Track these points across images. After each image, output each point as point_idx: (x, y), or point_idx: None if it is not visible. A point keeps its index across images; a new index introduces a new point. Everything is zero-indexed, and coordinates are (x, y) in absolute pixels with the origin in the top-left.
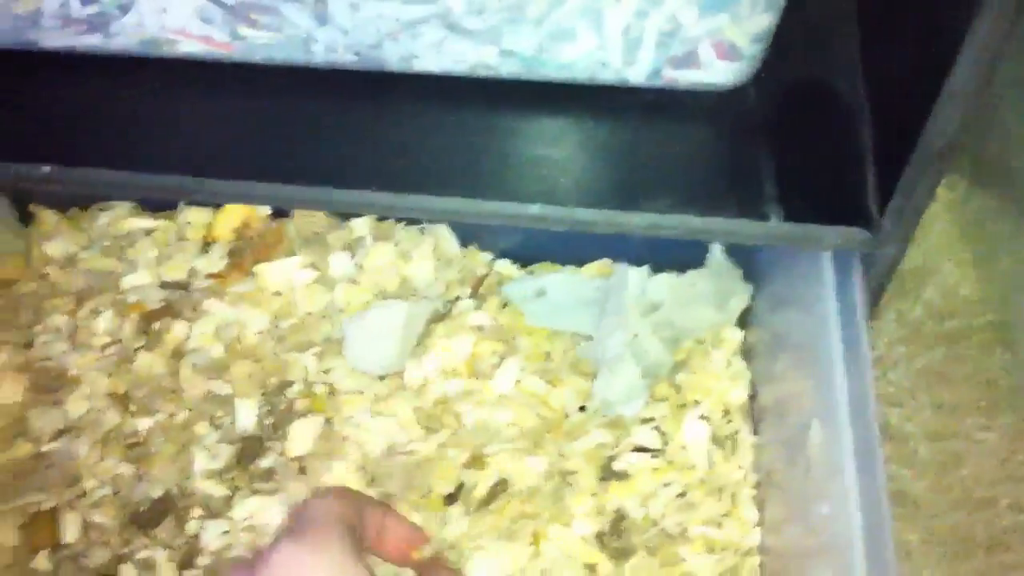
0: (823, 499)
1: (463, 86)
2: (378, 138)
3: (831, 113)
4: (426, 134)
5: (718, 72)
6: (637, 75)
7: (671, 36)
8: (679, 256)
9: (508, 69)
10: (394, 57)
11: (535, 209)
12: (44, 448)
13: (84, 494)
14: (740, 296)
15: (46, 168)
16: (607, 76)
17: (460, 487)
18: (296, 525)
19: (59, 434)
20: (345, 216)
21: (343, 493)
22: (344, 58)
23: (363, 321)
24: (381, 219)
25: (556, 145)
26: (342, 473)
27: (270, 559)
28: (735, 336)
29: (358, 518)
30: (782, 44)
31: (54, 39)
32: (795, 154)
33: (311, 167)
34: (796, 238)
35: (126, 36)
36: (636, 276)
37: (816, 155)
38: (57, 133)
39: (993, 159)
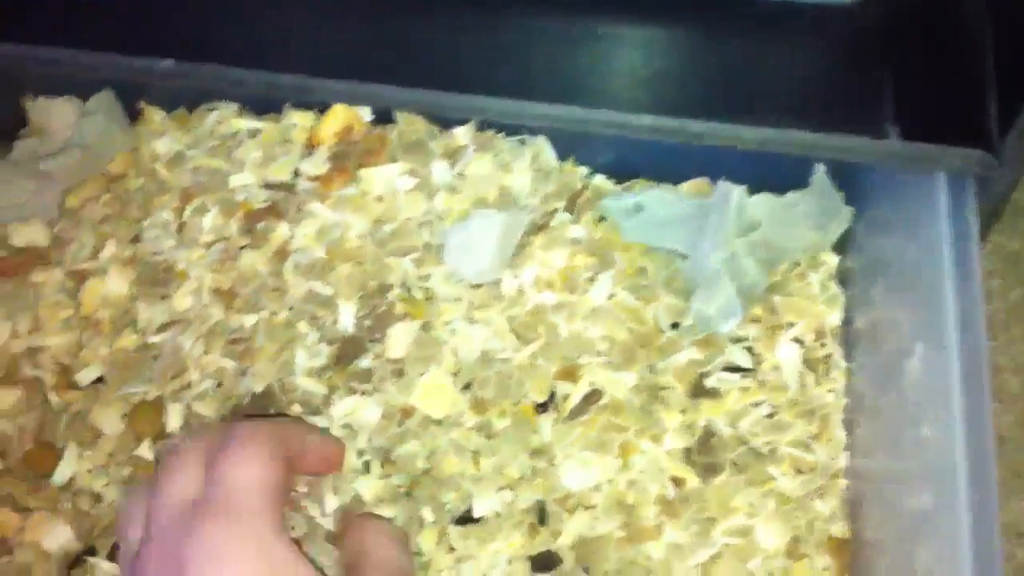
0: (922, 423)
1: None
2: (489, 45)
3: (953, 32)
4: (537, 42)
5: None
6: None
7: None
8: (779, 176)
9: None
10: None
11: (647, 120)
12: (150, 339)
13: (188, 386)
14: (841, 219)
15: (167, 62)
16: None
17: (552, 397)
18: (214, 493)
19: (165, 327)
20: (447, 125)
21: (261, 436)
22: None
23: (462, 229)
24: (481, 129)
25: (669, 56)
26: (438, 376)
27: (186, 544)
28: (832, 260)
29: (283, 462)
30: None
31: None
32: (915, 73)
33: (421, 71)
34: (914, 157)
35: None
36: (737, 193)
37: (936, 74)
38: (172, 28)
39: None
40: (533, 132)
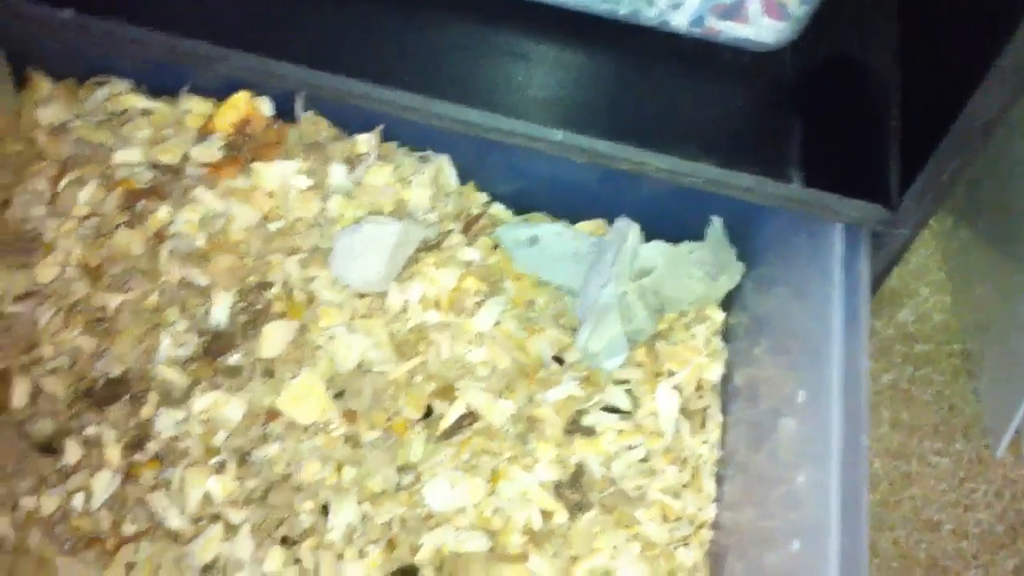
0: (797, 475)
1: (506, 5)
2: (414, 42)
3: (864, 88)
4: (462, 47)
5: (762, 30)
6: (681, 20)
7: None
8: (674, 226)
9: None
10: None
11: (558, 135)
12: (5, 308)
13: (39, 361)
14: (732, 272)
15: (66, 12)
16: (651, 15)
17: (427, 415)
18: None
19: (23, 297)
20: (350, 131)
21: None
22: None
23: (355, 234)
24: (385, 140)
25: (589, 78)
26: (310, 381)
27: None
28: (718, 316)
29: None
30: (823, 15)
31: None
32: (824, 123)
33: (339, 57)
34: (813, 204)
35: None
36: (634, 232)
37: (844, 127)
38: None
39: (987, 195)
40: (437, 150)
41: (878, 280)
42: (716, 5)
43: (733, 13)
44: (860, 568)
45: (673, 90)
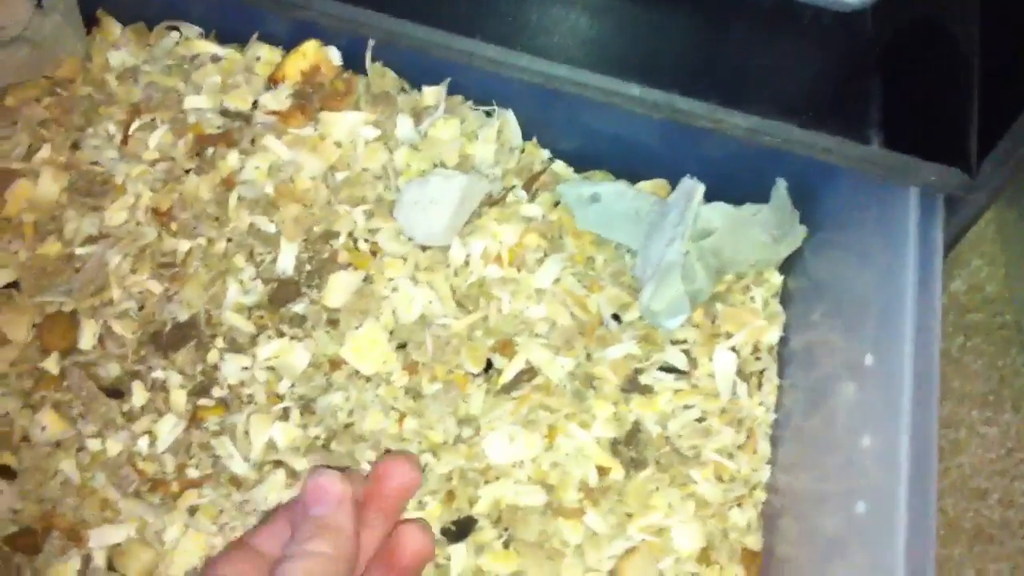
0: (863, 436)
1: None
2: None
3: (946, 51)
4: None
5: None
6: None
7: None
8: (737, 187)
9: None
10: None
11: (635, 90)
12: (75, 250)
13: (109, 303)
14: (795, 236)
15: None
16: None
17: (487, 370)
18: None
19: (93, 239)
20: (417, 84)
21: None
22: None
23: (421, 187)
24: (452, 94)
25: (669, 33)
26: (373, 331)
27: None
28: (776, 279)
29: None
30: None
31: None
32: (904, 86)
33: (413, 4)
34: (894, 167)
35: None
36: (701, 192)
37: (925, 91)
38: None
39: None
40: (501, 105)
41: (948, 248)
42: None
43: None
44: (929, 531)
45: (752, 48)
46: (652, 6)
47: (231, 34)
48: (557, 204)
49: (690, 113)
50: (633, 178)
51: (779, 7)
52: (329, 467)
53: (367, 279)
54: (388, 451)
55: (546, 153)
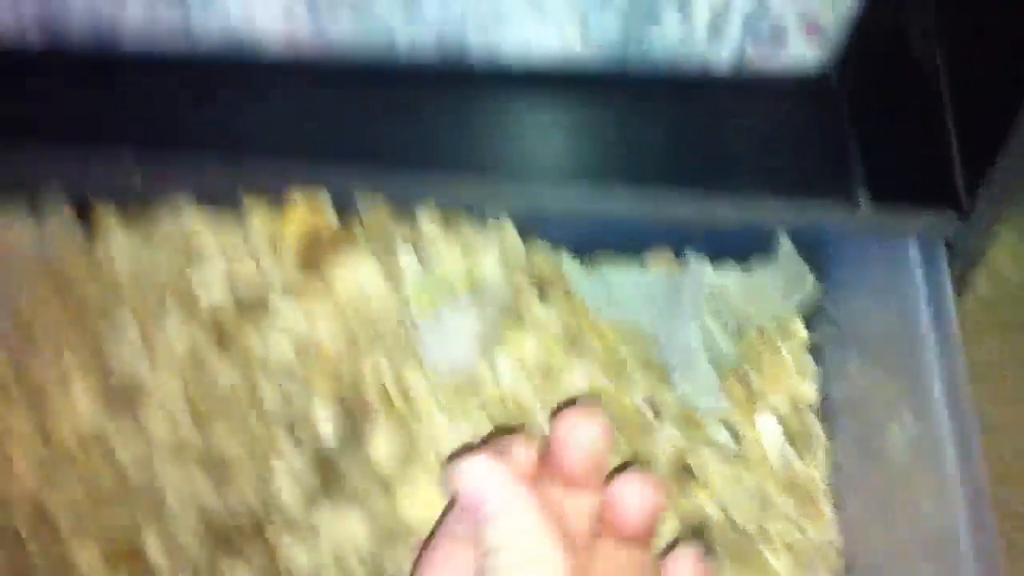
0: (914, 494)
1: (546, 79)
2: (452, 124)
3: (914, 94)
4: (502, 121)
5: (804, 54)
6: (720, 57)
7: (758, 17)
8: (741, 246)
9: (590, 54)
10: (477, 44)
11: (623, 196)
12: (124, 468)
13: (166, 514)
14: (806, 288)
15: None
16: (692, 58)
17: None
18: None
19: (138, 451)
20: (408, 208)
21: None
22: (425, 52)
23: (436, 324)
24: (445, 204)
25: (638, 127)
26: (423, 478)
27: None
28: (802, 332)
29: None
30: (862, 29)
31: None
32: (880, 137)
33: (383, 152)
34: (886, 223)
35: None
36: (708, 270)
37: (901, 138)
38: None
39: None
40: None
41: (963, 276)
42: (754, 38)
43: (771, 38)
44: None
45: (724, 132)
46: (613, 111)
47: (223, 198)
48: (572, 302)
49: (678, 208)
50: (639, 250)
51: (741, 82)
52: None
53: (404, 425)
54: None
55: (549, 249)
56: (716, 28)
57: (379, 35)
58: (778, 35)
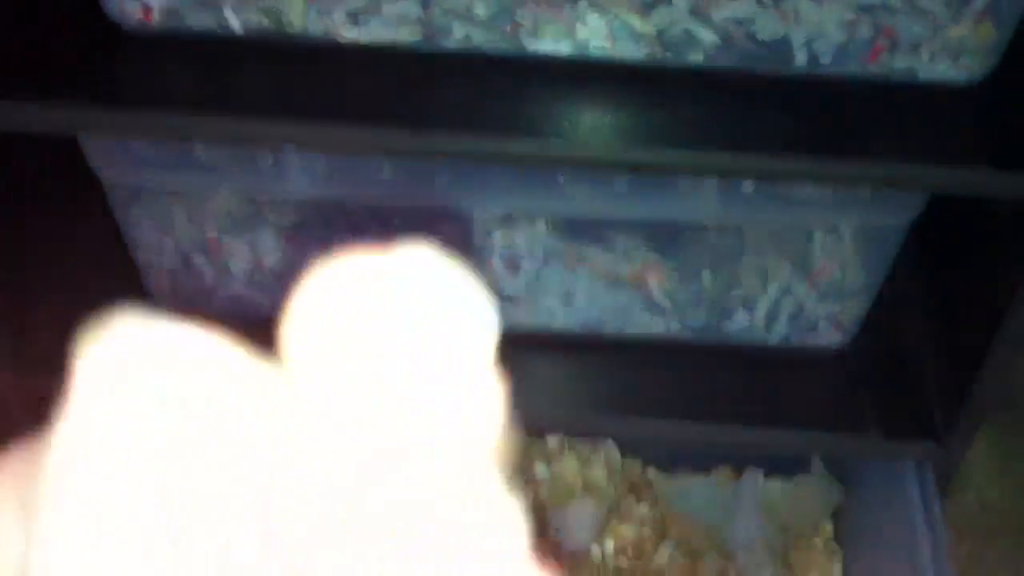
0: None
1: (648, 348)
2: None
3: (907, 364)
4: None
5: (829, 337)
6: (771, 338)
7: (799, 316)
8: (786, 462)
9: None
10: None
11: (697, 428)
12: None
13: None
14: (835, 496)
15: None
16: (753, 339)
17: None
18: None
19: None
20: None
21: None
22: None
23: (562, 515)
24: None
25: (713, 387)
26: None
27: None
28: (828, 525)
29: None
30: (869, 322)
31: None
32: (884, 392)
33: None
34: (886, 450)
35: None
36: (760, 483)
37: (899, 393)
38: None
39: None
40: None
41: (948, 477)
42: (796, 326)
43: (808, 329)
44: None
45: (773, 384)
46: (703, 372)
47: None
48: (658, 501)
49: (737, 439)
50: (708, 463)
51: (786, 354)
52: None
53: None
54: None
55: (641, 465)
56: (770, 321)
57: None
58: (812, 326)
